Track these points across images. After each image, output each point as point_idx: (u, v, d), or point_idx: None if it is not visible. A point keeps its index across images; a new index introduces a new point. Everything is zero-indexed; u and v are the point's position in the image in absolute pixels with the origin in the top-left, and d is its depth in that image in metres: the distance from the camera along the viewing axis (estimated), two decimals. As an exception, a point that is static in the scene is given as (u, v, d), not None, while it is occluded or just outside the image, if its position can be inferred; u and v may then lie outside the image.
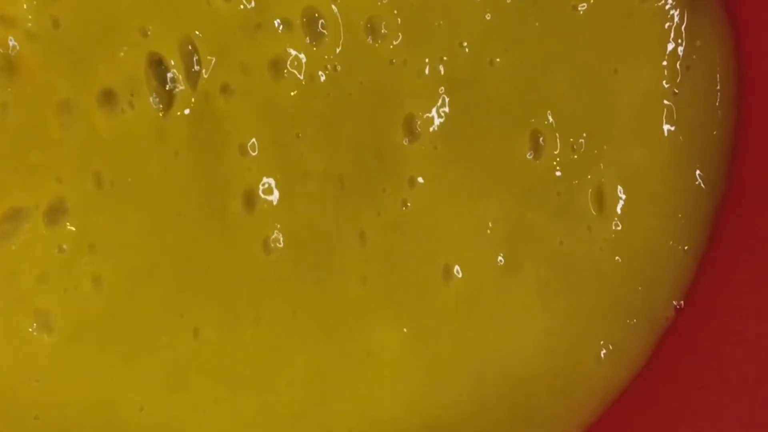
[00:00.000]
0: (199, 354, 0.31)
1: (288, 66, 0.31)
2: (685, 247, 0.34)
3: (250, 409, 0.32)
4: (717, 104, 0.33)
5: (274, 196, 0.31)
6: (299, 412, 0.32)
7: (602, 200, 0.33)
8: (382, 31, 0.32)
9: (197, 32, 0.31)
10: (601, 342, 0.33)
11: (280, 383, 0.32)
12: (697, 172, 0.33)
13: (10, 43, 0.30)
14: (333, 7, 0.31)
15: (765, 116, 0.33)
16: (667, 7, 0.33)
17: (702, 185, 0.33)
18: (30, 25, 0.31)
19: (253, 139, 0.31)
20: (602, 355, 0.33)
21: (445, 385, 0.32)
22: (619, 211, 0.33)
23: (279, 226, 0.31)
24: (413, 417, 0.32)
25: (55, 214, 0.31)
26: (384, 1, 0.31)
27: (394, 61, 0.32)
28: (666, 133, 0.33)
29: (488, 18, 0.32)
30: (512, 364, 0.32)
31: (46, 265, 0.31)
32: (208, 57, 0.31)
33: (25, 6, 0.30)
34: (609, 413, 0.33)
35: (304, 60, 0.31)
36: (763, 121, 0.32)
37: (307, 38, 0.31)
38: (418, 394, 0.32)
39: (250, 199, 0.31)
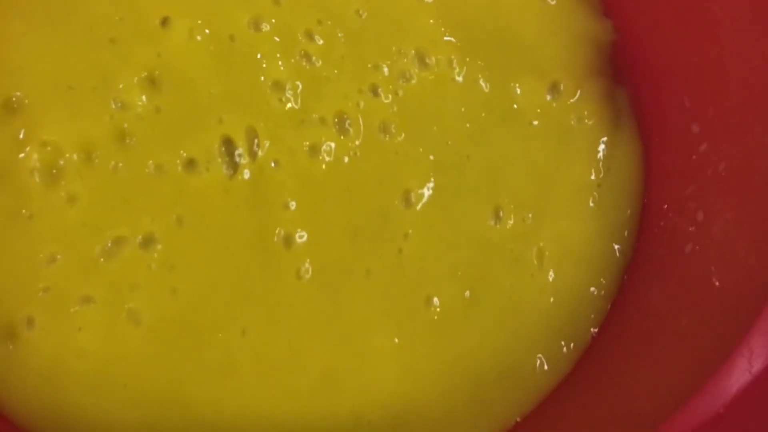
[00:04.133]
0: (246, 347, 0.36)
1: (322, 151, 0.38)
2: (602, 292, 0.41)
3: (282, 387, 0.36)
4: (629, 193, 0.42)
5: (305, 240, 0.37)
6: (316, 393, 0.37)
7: (542, 257, 0.40)
8: (392, 130, 0.39)
9: (259, 123, 0.38)
10: (538, 356, 0.40)
11: (305, 369, 0.37)
12: (614, 244, 0.41)
13: (124, 125, 0.37)
14: (357, 111, 0.39)
15: (663, 206, 0.41)
16: (595, 126, 0.42)
17: (616, 250, 0.41)
18: (140, 110, 0.37)
19: (293, 201, 0.38)
20: (538, 366, 0.39)
21: (423, 380, 0.38)
22: (554, 264, 0.40)
23: (308, 260, 0.37)
24: (397, 402, 0.37)
25: (147, 242, 0.36)
26: (394, 109, 0.40)
27: (398, 151, 0.39)
28: (591, 213, 0.41)
29: (468, 126, 0.40)
30: (472, 368, 0.38)
31: (139, 278, 0.36)
32: (265, 141, 0.37)
33: (138, 93, 0.37)
34: (541, 408, 0.39)
35: (333, 147, 0.38)
36: (662, 209, 0.41)
37: (337, 131, 0.39)
38: (403, 386, 0.37)
39: (289, 240, 0.37)
